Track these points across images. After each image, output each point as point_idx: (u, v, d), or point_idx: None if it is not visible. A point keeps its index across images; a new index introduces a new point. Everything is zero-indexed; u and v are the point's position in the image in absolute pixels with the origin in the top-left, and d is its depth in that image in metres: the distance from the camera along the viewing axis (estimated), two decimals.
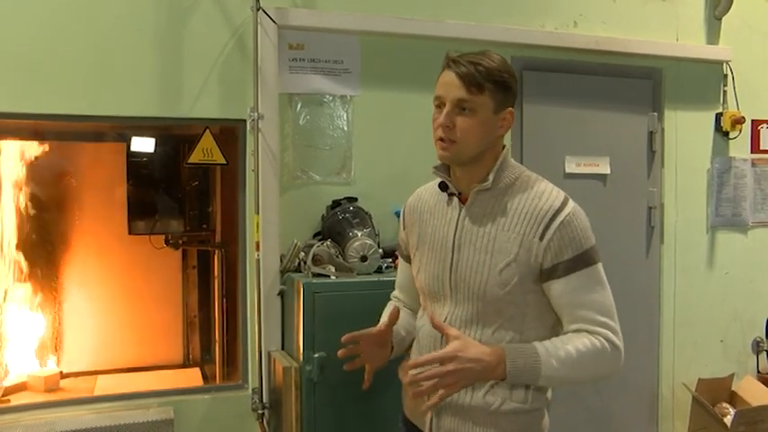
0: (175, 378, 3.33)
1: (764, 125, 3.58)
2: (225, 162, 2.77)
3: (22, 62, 2.44)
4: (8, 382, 2.90)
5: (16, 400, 2.75)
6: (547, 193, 1.51)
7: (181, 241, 3.68)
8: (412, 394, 1.50)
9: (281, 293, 2.62)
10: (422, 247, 1.63)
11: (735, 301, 3.54)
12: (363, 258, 2.49)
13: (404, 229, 1.75)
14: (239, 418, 2.67)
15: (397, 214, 2.74)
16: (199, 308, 3.74)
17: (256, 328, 2.62)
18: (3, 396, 2.75)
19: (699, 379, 3.34)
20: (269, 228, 2.62)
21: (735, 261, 3.53)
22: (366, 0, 2.84)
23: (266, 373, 2.60)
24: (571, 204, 1.50)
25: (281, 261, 2.63)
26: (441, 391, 1.38)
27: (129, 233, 3.52)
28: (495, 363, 1.40)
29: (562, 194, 1.52)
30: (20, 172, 3.35)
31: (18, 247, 3.31)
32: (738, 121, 3.42)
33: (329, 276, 2.41)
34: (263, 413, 2.60)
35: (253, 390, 2.65)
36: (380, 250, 2.56)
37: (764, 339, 3.58)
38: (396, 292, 1.85)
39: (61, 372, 3.16)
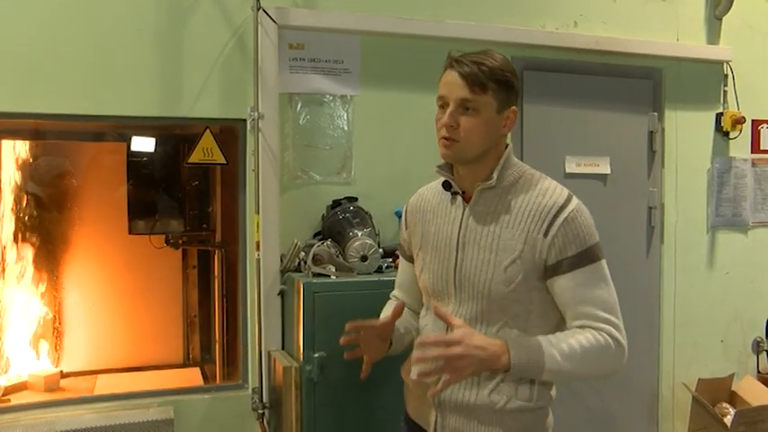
0: (175, 378, 3.33)
1: (765, 125, 3.58)
2: (225, 162, 2.77)
3: (22, 62, 2.44)
4: (8, 382, 2.90)
5: (16, 399, 2.75)
6: (551, 190, 1.52)
7: (181, 241, 3.68)
8: (418, 375, 1.51)
9: (282, 293, 2.62)
10: (425, 246, 1.64)
11: (735, 301, 3.54)
12: (364, 258, 2.49)
13: (406, 228, 1.75)
14: (239, 417, 2.67)
15: (398, 214, 2.76)
16: (199, 308, 3.74)
17: (256, 327, 2.62)
18: (3, 395, 2.75)
19: (699, 379, 3.34)
20: (269, 227, 2.62)
21: (735, 261, 3.53)
22: (366, 0, 2.84)
23: (266, 372, 2.60)
24: (575, 201, 1.51)
25: (282, 261, 2.63)
26: (446, 377, 1.38)
27: (130, 233, 3.52)
28: (499, 352, 1.41)
29: (566, 191, 1.53)
30: (20, 172, 3.35)
31: (18, 244, 3.31)
32: (739, 121, 3.42)
33: (329, 276, 2.41)
34: (264, 413, 2.60)
35: (253, 389, 2.65)
36: (381, 250, 2.56)
37: (765, 339, 3.58)
38: (395, 292, 1.85)
39: (61, 371, 3.17)
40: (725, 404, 3.33)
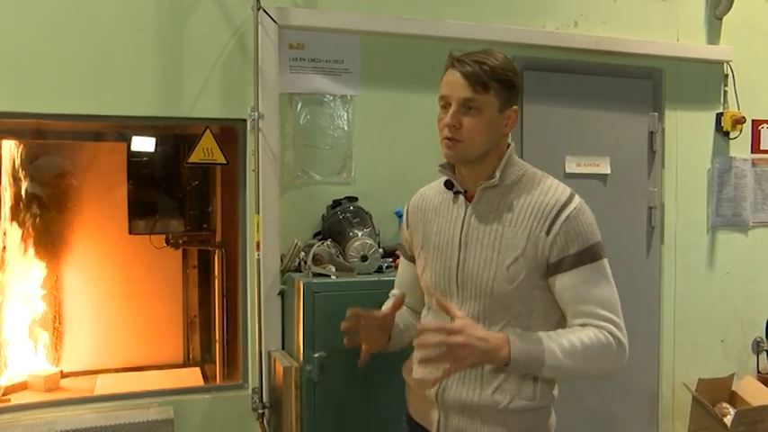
0: (175, 378, 3.33)
1: (765, 125, 3.58)
2: (225, 162, 2.77)
3: (22, 62, 2.44)
4: (8, 382, 2.90)
5: (16, 399, 2.75)
6: (553, 188, 1.52)
7: (181, 241, 3.68)
8: (419, 361, 1.51)
9: (282, 293, 2.62)
10: (427, 245, 1.64)
11: (735, 301, 3.53)
12: (364, 258, 2.49)
13: (407, 228, 1.75)
14: (239, 417, 2.67)
15: (398, 214, 2.76)
16: (199, 308, 3.73)
17: (256, 327, 2.62)
18: (3, 395, 2.76)
19: (699, 379, 3.34)
20: (269, 227, 2.62)
21: (735, 261, 3.53)
22: (366, 0, 2.84)
23: (266, 372, 2.60)
24: (577, 199, 1.51)
25: (282, 261, 2.63)
26: (447, 365, 1.38)
27: (130, 233, 3.52)
28: (500, 345, 1.41)
29: (568, 190, 1.53)
30: (20, 171, 3.35)
31: (18, 243, 3.32)
32: (739, 121, 3.42)
33: (329, 276, 2.41)
34: (264, 413, 2.60)
35: (253, 389, 2.65)
36: (381, 250, 2.56)
37: (765, 339, 3.58)
38: (394, 291, 1.85)
39: (61, 371, 3.17)
40: (725, 404, 3.33)
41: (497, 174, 1.52)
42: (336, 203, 2.73)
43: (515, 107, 1.54)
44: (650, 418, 3.39)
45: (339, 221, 2.64)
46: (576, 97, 3.20)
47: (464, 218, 1.56)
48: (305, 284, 2.33)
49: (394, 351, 1.72)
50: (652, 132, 3.35)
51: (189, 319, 3.81)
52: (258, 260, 2.59)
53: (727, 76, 3.47)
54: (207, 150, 2.71)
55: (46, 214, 3.47)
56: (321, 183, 2.80)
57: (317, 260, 2.46)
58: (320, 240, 2.60)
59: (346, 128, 2.84)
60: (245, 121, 2.67)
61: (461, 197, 1.59)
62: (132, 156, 3.49)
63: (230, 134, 2.81)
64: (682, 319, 3.42)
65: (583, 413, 3.14)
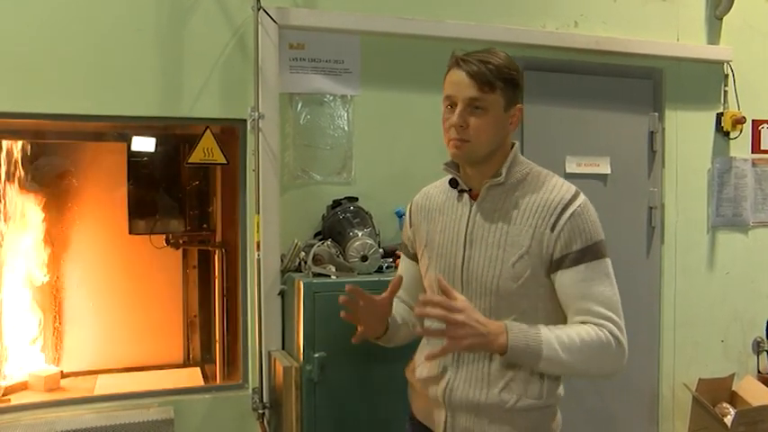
0: (175, 378, 3.33)
1: (765, 125, 3.58)
2: (225, 162, 2.77)
3: (22, 62, 2.44)
4: (8, 382, 2.90)
5: (16, 399, 2.75)
6: (558, 186, 1.53)
7: (181, 241, 3.68)
8: (418, 332, 1.54)
9: (282, 293, 2.62)
10: (431, 244, 1.64)
11: (735, 302, 3.53)
12: (364, 258, 2.49)
13: (410, 227, 1.75)
14: (239, 417, 2.68)
15: (398, 214, 2.77)
16: (199, 307, 3.73)
17: (257, 327, 2.62)
18: (3, 395, 2.76)
19: (699, 379, 3.34)
20: (269, 227, 2.62)
21: (735, 261, 3.53)
22: (366, 0, 2.84)
23: (266, 372, 2.60)
24: (582, 197, 1.52)
25: (282, 261, 2.63)
26: (445, 342, 1.39)
27: (130, 233, 3.51)
28: (498, 332, 1.41)
29: (573, 188, 1.54)
30: (20, 171, 3.35)
31: (17, 243, 3.32)
32: (739, 121, 3.42)
33: (329, 276, 2.41)
34: (264, 413, 2.60)
35: (253, 389, 2.65)
36: (381, 250, 2.55)
37: (765, 339, 3.58)
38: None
39: (61, 371, 3.17)
40: (725, 404, 3.33)
41: (503, 171, 1.53)
42: (336, 203, 2.73)
43: (520, 105, 1.55)
44: (650, 419, 3.39)
45: (339, 221, 2.64)
46: (576, 97, 3.20)
47: (469, 216, 1.56)
48: (305, 284, 2.33)
49: (390, 346, 1.72)
50: (652, 132, 3.35)
51: (189, 319, 3.80)
52: (258, 260, 2.59)
53: (727, 76, 3.47)
54: (207, 150, 2.71)
55: (45, 214, 3.46)
56: (321, 183, 2.80)
57: (317, 260, 2.46)
58: (320, 240, 2.60)
59: (346, 128, 2.84)
60: (245, 121, 2.67)
61: (466, 195, 1.59)
62: (132, 156, 3.49)
63: (230, 134, 2.81)
64: (682, 319, 3.42)
65: (583, 413, 3.14)
